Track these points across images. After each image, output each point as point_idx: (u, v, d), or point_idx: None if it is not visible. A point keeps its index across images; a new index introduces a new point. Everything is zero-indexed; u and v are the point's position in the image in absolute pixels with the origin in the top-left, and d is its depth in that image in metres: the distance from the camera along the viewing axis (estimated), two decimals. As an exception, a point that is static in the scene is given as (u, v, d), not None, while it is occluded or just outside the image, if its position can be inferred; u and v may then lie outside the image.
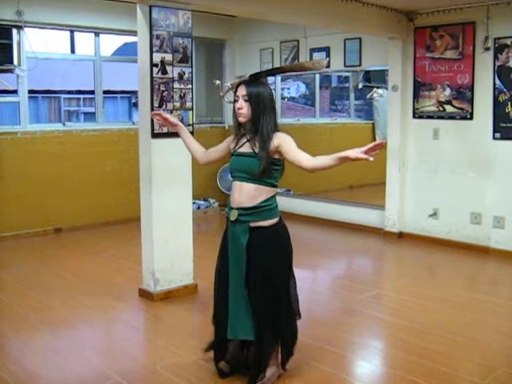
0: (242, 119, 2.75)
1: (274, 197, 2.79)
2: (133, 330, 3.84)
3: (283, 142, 2.69)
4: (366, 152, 2.38)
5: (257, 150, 2.69)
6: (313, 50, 7.06)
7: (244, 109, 2.71)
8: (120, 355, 3.41)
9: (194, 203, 7.10)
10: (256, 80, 2.78)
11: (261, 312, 2.76)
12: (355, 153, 2.39)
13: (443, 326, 3.82)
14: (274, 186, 2.78)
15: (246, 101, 2.71)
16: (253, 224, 2.73)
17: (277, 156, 2.72)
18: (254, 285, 2.75)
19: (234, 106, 2.77)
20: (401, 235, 6.37)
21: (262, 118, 2.70)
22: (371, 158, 2.37)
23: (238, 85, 2.77)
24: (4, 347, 3.55)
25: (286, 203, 6.80)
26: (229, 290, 2.80)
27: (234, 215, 2.76)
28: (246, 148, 2.76)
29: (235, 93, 2.77)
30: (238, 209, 2.75)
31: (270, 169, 2.69)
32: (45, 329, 3.77)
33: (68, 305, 4.21)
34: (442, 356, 3.34)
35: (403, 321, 3.92)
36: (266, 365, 2.84)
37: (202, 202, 7.69)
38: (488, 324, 3.90)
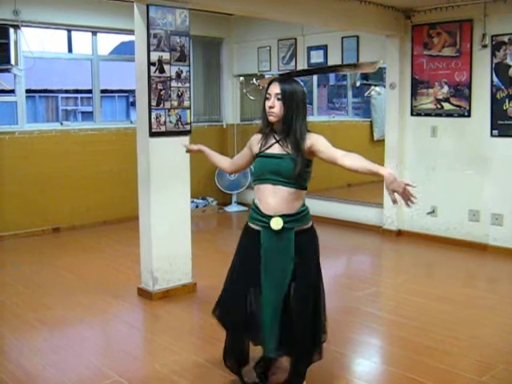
0: (272, 118, 2.58)
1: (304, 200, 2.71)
2: (131, 329, 3.85)
3: (315, 141, 2.57)
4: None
5: (290, 152, 2.55)
6: (310, 48, 7.05)
7: (276, 108, 2.55)
8: (119, 354, 3.42)
9: (192, 202, 7.10)
10: (289, 77, 2.65)
11: (303, 321, 2.62)
12: (400, 184, 2.27)
13: (442, 323, 3.82)
14: (305, 188, 2.66)
15: (278, 99, 2.55)
16: (296, 229, 2.63)
17: (310, 157, 2.60)
18: (297, 292, 2.60)
19: (263, 105, 2.62)
20: (399, 233, 6.37)
21: (294, 118, 2.55)
22: (414, 202, 2.29)
23: (270, 82, 2.62)
24: (2, 347, 3.55)
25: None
26: (262, 306, 2.61)
27: (277, 223, 2.57)
28: (276, 149, 2.60)
29: (266, 90, 2.62)
30: (281, 216, 2.58)
31: (303, 171, 2.57)
32: (43, 328, 3.77)
33: (66, 304, 4.21)
34: (441, 353, 3.35)
35: (402, 318, 3.92)
36: (305, 374, 2.76)
37: (200, 201, 7.68)
38: (486, 321, 3.91)
